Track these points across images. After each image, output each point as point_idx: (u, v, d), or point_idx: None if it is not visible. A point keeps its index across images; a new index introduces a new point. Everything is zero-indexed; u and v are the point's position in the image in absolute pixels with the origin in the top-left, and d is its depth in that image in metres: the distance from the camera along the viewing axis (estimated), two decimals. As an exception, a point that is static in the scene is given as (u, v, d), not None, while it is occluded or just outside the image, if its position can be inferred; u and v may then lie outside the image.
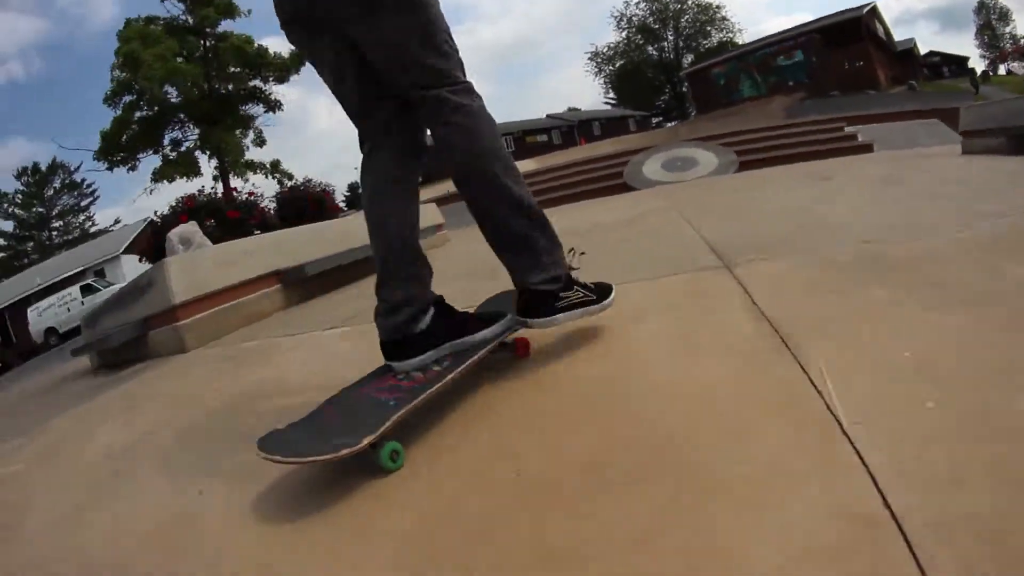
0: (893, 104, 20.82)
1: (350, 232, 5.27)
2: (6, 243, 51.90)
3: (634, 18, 53.23)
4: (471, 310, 1.83)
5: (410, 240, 1.66)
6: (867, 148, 13.40)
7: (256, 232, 10.05)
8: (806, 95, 26.67)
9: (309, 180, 13.11)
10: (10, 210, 51.63)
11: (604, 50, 54.61)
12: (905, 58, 36.12)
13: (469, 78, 1.63)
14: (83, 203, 54.43)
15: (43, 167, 52.70)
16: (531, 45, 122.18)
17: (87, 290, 24.75)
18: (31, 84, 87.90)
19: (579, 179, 15.50)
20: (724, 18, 51.63)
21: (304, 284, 4.75)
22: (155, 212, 13.12)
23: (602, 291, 1.73)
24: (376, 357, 1.67)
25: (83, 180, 53.08)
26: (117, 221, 49.71)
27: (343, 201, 26.02)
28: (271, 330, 3.85)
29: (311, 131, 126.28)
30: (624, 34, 53.98)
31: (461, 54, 1.63)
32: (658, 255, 3.13)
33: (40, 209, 52.72)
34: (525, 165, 18.79)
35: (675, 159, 14.01)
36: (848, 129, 16.02)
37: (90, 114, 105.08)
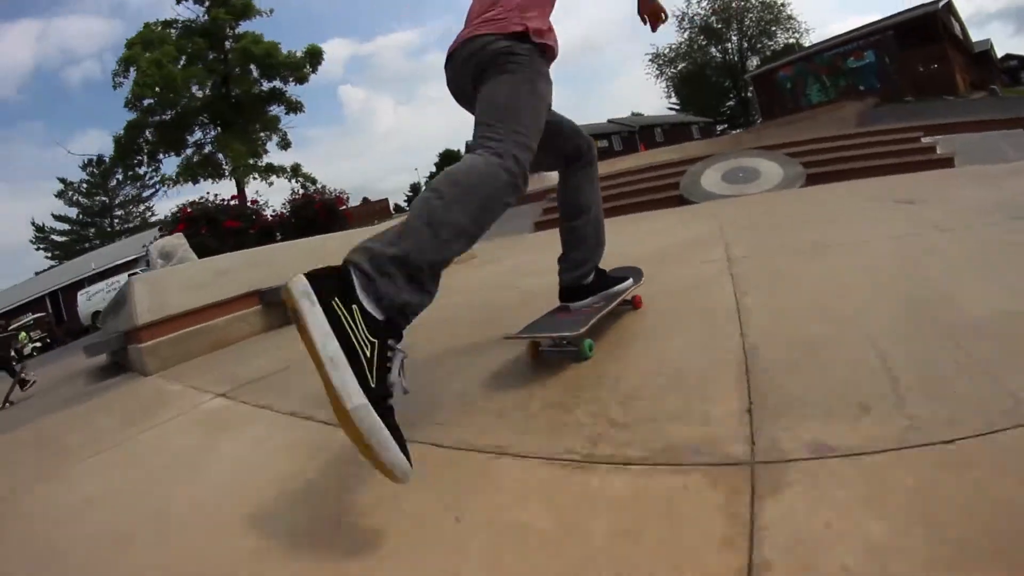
0: (972, 111, 19.25)
1: (349, 249, 4.70)
2: (70, 228, 55.40)
3: (696, 17, 50.87)
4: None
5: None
6: (947, 162, 12.23)
7: (278, 239, 9.64)
8: (879, 100, 24.90)
9: (322, 186, 12.66)
10: (74, 198, 55.26)
11: (665, 51, 52.41)
12: (982, 61, 33.47)
13: None
14: (144, 194, 56.77)
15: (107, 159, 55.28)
16: (594, 49, 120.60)
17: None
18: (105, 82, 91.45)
19: (630, 189, 14.77)
20: (790, 17, 48.77)
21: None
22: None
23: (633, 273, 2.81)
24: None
25: (145, 172, 54.95)
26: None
27: (406, 201, 25.73)
28: (228, 364, 3.57)
29: (376, 130, 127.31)
30: (686, 34, 51.60)
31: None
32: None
33: (103, 198, 56.09)
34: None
35: (737, 169, 13.14)
36: (926, 140, 14.79)
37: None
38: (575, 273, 2.52)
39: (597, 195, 2.55)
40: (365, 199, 36.21)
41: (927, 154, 13.42)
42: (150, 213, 56.48)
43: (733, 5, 48.48)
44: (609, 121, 50.77)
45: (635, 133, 46.41)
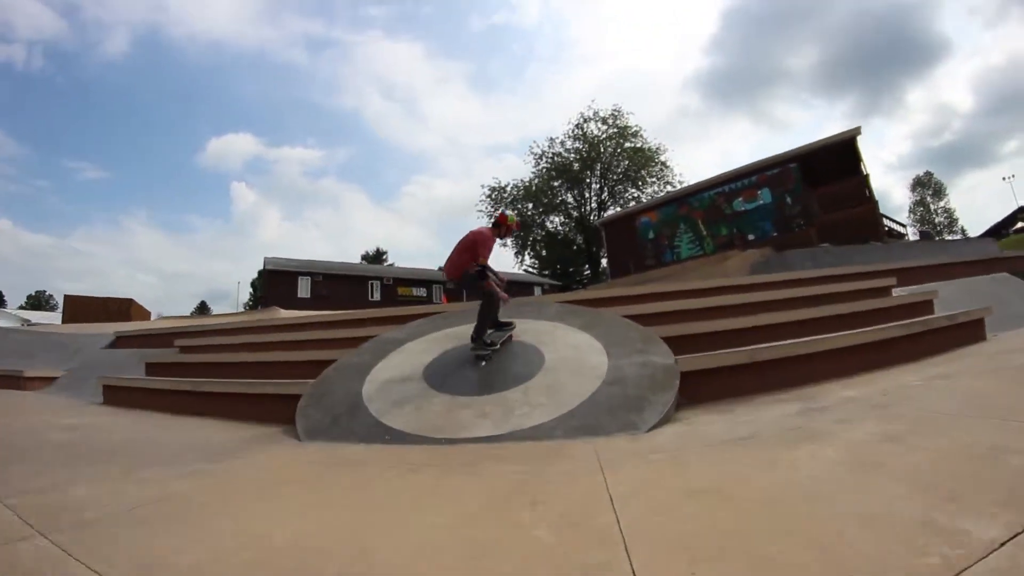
0: (913, 256, 12.92)
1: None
2: None
3: (556, 157, 45.34)
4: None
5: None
6: (971, 329, 5.40)
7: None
8: (776, 249, 18.68)
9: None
10: None
11: (506, 185, 45.92)
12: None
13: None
14: None
15: None
16: (462, 208, 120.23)
17: None
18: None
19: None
20: (664, 164, 43.20)
21: None
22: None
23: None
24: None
25: None
26: None
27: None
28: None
29: (259, 237, 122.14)
30: (540, 167, 45.87)
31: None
32: None
33: None
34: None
35: (478, 358, 5.28)
36: (899, 292, 7.67)
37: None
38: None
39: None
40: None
41: (917, 313, 6.22)
42: None
43: (604, 155, 43.92)
44: (440, 268, 43.72)
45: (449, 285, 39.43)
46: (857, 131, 19.68)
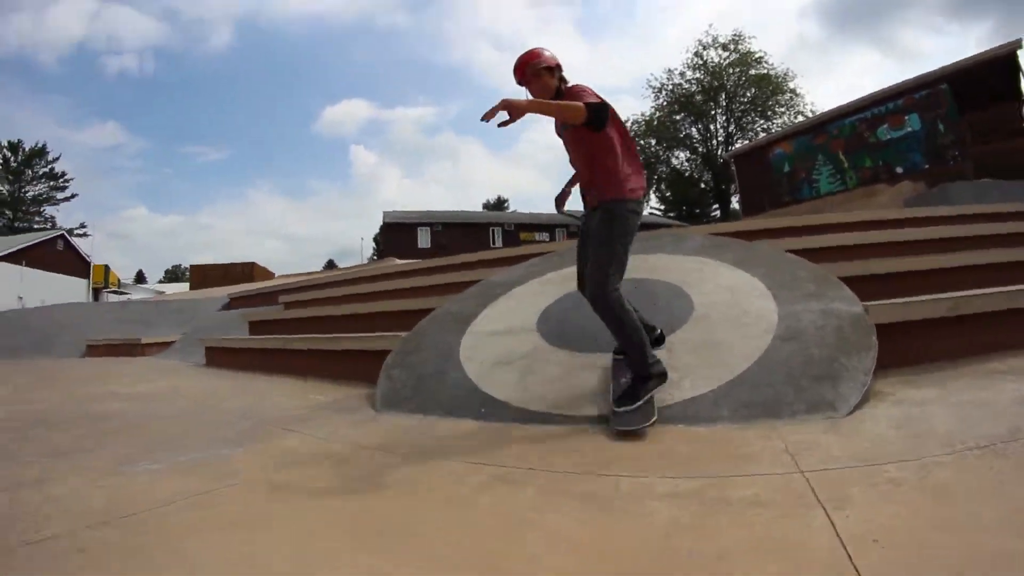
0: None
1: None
2: None
3: (677, 89, 41.53)
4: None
5: None
6: None
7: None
8: (928, 184, 16.11)
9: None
10: None
11: (625, 121, 43.55)
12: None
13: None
14: (58, 195, 54.44)
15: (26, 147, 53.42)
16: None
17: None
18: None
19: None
20: (794, 92, 38.84)
21: None
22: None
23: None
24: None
25: (63, 173, 54.52)
26: (82, 226, 52.97)
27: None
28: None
29: (379, 196, 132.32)
30: (660, 101, 42.36)
31: None
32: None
33: (6, 189, 52.62)
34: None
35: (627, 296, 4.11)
36: None
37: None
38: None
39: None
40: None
41: None
42: (42, 220, 53.21)
43: (728, 83, 40.09)
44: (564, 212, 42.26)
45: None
46: (1018, 44, 16.17)
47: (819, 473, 1.88)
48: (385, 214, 39.36)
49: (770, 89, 39.17)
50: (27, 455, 2.93)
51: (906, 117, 17.86)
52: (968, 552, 1.29)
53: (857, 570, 1.26)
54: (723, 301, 3.74)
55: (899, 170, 17.90)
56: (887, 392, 2.75)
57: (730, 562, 1.39)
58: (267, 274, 28.86)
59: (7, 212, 52.27)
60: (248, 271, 27.71)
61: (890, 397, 2.68)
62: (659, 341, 3.29)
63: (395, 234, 37.41)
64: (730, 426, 2.54)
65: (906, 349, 3.27)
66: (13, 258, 35.61)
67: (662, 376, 2.81)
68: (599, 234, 2.93)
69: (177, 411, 4.30)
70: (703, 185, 44.30)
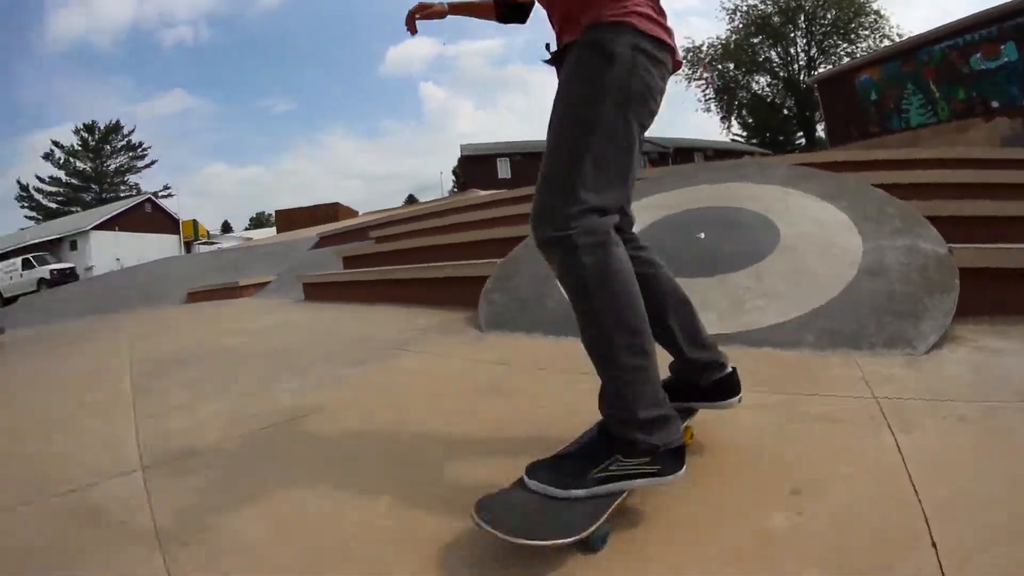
0: None
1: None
2: (55, 191, 56.13)
3: (752, 10, 39.71)
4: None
5: None
6: None
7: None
8: None
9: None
10: (60, 160, 56.03)
11: (700, 45, 40.73)
12: None
13: None
14: (138, 164, 59.25)
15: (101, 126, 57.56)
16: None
17: (26, 264, 28.13)
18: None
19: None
20: (877, 13, 36.19)
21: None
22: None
23: None
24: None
25: (140, 143, 59.23)
26: (166, 187, 56.63)
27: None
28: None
29: (454, 130, 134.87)
30: (736, 23, 40.51)
31: None
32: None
33: (89, 166, 56.98)
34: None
35: (699, 224, 4.35)
36: None
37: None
38: None
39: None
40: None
41: None
42: (128, 188, 57.68)
43: (807, 3, 37.82)
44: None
45: (668, 155, 37.18)
46: None
47: (892, 401, 2.10)
48: (463, 147, 39.95)
49: (852, 11, 36.86)
50: (168, 388, 3.37)
51: (1002, 47, 16.56)
52: (1018, 486, 1.50)
53: (911, 479, 1.53)
54: (809, 232, 3.88)
55: (995, 104, 16.73)
56: (967, 337, 2.87)
57: (805, 472, 1.65)
58: (351, 213, 29.73)
59: (93, 186, 56.72)
60: (332, 211, 28.65)
61: (970, 342, 2.80)
62: (724, 388, 1.84)
63: (474, 166, 38.02)
64: (813, 352, 2.76)
65: (992, 297, 3.29)
66: (106, 226, 39.76)
67: (670, 458, 1.39)
68: (568, 89, 1.57)
69: (298, 340, 4.80)
70: (786, 111, 42.65)
